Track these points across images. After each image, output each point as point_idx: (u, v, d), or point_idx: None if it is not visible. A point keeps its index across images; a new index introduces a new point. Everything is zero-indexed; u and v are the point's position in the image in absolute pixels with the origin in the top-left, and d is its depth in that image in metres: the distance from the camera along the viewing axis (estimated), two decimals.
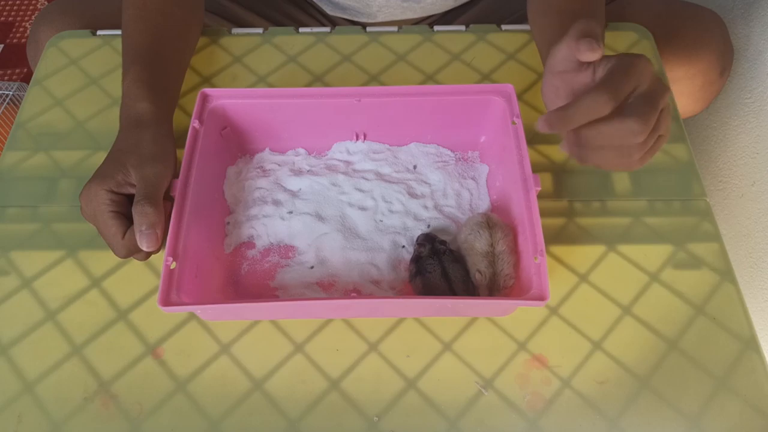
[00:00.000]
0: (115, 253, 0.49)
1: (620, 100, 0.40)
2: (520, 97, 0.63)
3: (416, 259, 0.51)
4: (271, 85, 0.65)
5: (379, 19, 0.75)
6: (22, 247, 0.54)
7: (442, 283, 0.49)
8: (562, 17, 0.55)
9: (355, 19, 0.75)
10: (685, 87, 0.69)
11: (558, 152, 0.59)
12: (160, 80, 0.56)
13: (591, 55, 0.40)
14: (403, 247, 0.53)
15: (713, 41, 0.68)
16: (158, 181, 0.49)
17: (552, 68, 0.46)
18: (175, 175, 0.50)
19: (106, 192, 0.48)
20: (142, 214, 0.46)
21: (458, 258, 0.51)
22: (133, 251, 0.48)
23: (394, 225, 0.54)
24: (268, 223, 0.54)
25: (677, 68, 0.68)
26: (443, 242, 0.51)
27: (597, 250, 0.53)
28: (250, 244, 0.54)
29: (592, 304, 0.51)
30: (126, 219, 0.48)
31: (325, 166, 0.58)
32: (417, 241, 0.52)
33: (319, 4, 0.76)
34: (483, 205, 0.56)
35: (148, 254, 0.50)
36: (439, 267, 0.49)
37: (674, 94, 0.65)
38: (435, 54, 0.67)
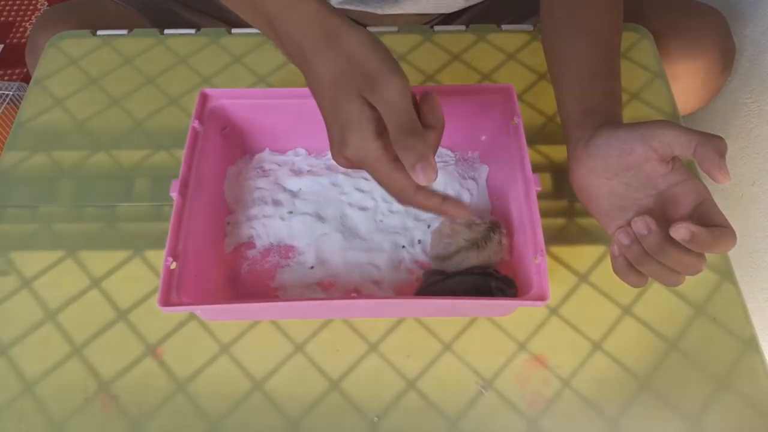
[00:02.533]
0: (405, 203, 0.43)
1: None
2: (520, 97, 0.63)
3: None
4: (271, 85, 0.65)
5: (406, 10, 0.73)
6: (22, 247, 0.54)
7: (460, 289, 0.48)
8: (598, 47, 0.53)
9: (372, 10, 0.73)
10: (686, 83, 0.69)
11: (558, 152, 0.59)
12: None
13: (723, 181, 0.39)
14: (404, 247, 0.53)
15: (715, 38, 0.68)
16: (403, 99, 0.41)
17: (648, 138, 0.42)
18: (175, 176, 0.50)
19: (375, 140, 0.40)
20: (406, 149, 0.39)
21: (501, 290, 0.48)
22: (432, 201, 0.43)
23: (395, 225, 0.54)
24: (268, 223, 0.54)
25: (679, 64, 0.68)
26: (501, 277, 0.49)
27: (597, 250, 0.53)
28: (250, 244, 0.54)
29: (592, 304, 0.51)
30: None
31: (325, 166, 0.58)
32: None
33: None
34: (483, 205, 0.56)
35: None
36: (474, 279, 0.48)
37: (676, 90, 0.65)
38: (435, 54, 0.67)
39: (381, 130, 0.41)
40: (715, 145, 0.39)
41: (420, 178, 0.39)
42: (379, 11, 0.73)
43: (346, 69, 0.42)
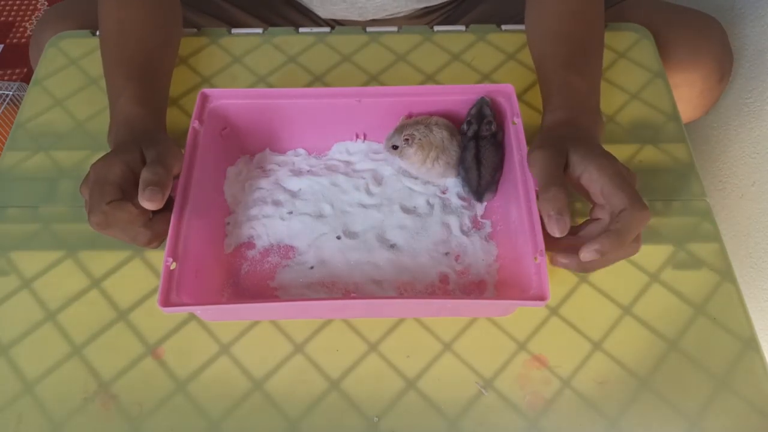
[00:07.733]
0: (92, 223, 0.46)
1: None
2: (520, 97, 0.63)
3: (462, 134, 0.55)
4: (271, 86, 0.65)
5: (371, 16, 0.74)
6: (22, 247, 0.54)
7: (473, 165, 0.53)
8: (570, 45, 0.57)
9: (348, 18, 0.75)
10: (684, 93, 0.69)
11: None
12: (154, 96, 0.56)
13: (558, 234, 0.43)
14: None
15: (713, 48, 0.68)
16: (172, 154, 0.47)
17: (580, 170, 0.46)
18: (176, 176, 0.50)
19: (122, 164, 0.46)
20: (152, 173, 0.44)
21: (499, 145, 0.54)
22: (110, 223, 0.46)
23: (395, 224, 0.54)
24: (268, 223, 0.54)
25: (677, 75, 0.68)
26: (490, 123, 0.53)
27: None
28: (250, 244, 0.54)
29: (592, 304, 0.51)
30: (124, 195, 0.46)
31: (325, 167, 0.58)
32: (468, 115, 0.54)
33: (312, 8, 0.76)
34: (482, 204, 0.56)
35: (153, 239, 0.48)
36: (474, 150, 0.53)
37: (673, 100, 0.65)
38: (435, 54, 0.67)
39: (129, 166, 0.46)
40: (551, 203, 0.43)
41: (144, 200, 0.44)
42: (355, 17, 0.73)
43: (139, 135, 0.50)
